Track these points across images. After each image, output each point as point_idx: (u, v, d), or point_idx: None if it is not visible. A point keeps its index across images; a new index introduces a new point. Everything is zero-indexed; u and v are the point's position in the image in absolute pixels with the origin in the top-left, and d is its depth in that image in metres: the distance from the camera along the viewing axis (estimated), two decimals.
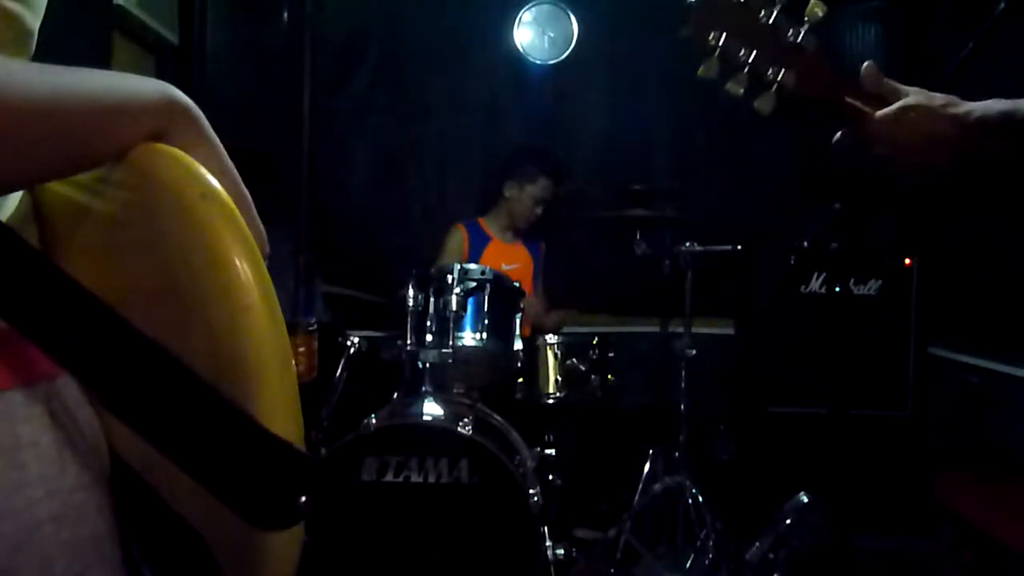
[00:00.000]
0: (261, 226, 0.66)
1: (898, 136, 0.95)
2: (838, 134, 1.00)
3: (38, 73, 0.54)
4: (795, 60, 0.95)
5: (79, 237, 0.63)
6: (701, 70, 0.96)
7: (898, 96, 0.97)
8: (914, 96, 0.96)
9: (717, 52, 0.95)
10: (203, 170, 0.59)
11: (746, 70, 0.95)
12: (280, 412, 0.56)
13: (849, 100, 0.97)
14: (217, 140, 0.64)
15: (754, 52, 0.94)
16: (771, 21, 0.95)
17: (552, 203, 3.12)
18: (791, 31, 0.95)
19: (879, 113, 0.95)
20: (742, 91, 0.96)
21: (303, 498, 0.56)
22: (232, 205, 0.58)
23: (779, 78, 0.95)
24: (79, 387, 0.63)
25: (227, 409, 0.55)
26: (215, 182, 0.58)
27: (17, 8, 0.58)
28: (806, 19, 0.95)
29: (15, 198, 0.62)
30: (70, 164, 0.59)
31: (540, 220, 3.13)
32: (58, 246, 0.63)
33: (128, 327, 0.56)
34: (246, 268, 0.55)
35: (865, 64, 0.98)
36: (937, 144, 0.94)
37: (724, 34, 0.94)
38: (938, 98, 0.95)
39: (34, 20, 0.61)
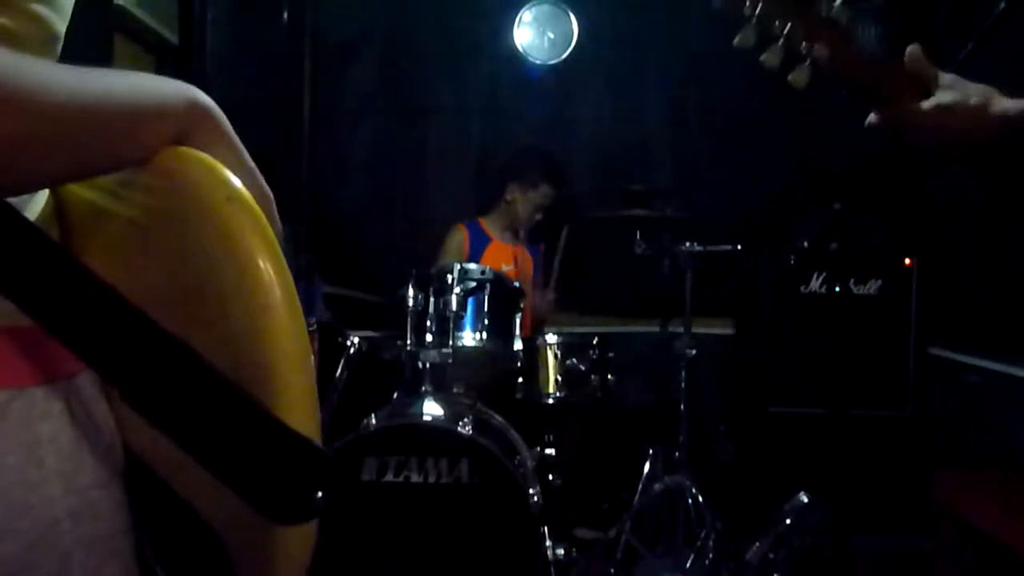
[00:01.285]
0: (279, 224, 0.67)
1: (934, 132, 0.96)
2: (870, 116, 0.99)
3: (69, 75, 0.55)
4: (828, 34, 0.94)
5: (101, 239, 0.64)
6: (738, 39, 0.94)
7: (934, 81, 0.96)
8: (950, 93, 0.96)
9: (754, 21, 0.94)
10: (228, 173, 0.60)
11: (781, 42, 0.94)
12: (298, 408, 0.57)
13: (881, 80, 0.97)
14: (238, 141, 0.65)
15: (789, 23, 0.94)
16: None
17: (552, 208, 3.11)
18: (825, 4, 0.94)
19: (914, 108, 0.95)
20: (778, 63, 0.95)
21: (319, 494, 0.57)
22: (256, 207, 0.59)
23: (813, 52, 0.94)
24: (96, 385, 0.64)
25: (247, 405, 0.56)
26: (240, 184, 0.59)
27: (44, 11, 0.59)
28: None
29: (40, 200, 0.63)
30: (96, 166, 0.60)
31: (539, 224, 3.13)
32: (80, 248, 0.64)
33: (150, 322, 0.57)
34: (269, 268, 0.56)
35: (910, 47, 0.98)
36: (974, 142, 0.95)
37: (760, 3, 0.93)
38: (974, 93, 0.95)
39: (60, 23, 0.62)
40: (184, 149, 0.61)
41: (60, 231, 0.65)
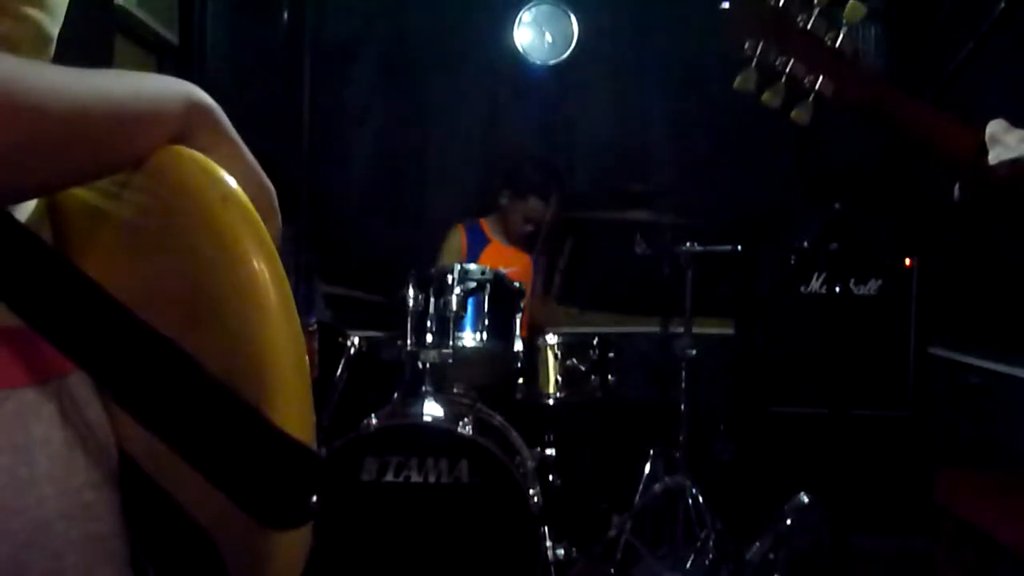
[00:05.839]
0: (279, 215, 0.67)
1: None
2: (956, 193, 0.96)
3: (63, 78, 0.54)
4: (834, 66, 0.92)
5: (95, 239, 0.63)
6: (738, 82, 0.92)
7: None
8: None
9: (754, 62, 0.91)
10: (223, 173, 0.59)
11: (783, 79, 0.92)
12: (293, 412, 0.56)
13: (890, 104, 0.94)
14: (238, 137, 0.65)
15: (792, 60, 0.91)
16: (809, 26, 0.91)
17: (542, 223, 3.03)
18: (829, 36, 0.91)
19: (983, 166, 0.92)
20: (779, 102, 0.92)
21: (313, 498, 0.56)
22: (251, 207, 0.58)
23: (817, 86, 0.92)
24: (90, 386, 0.63)
25: (241, 408, 0.55)
26: (235, 184, 0.58)
27: (36, 14, 0.58)
28: (845, 22, 0.91)
29: (32, 200, 0.62)
30: (93, 170, 0.58)
31: (532, 236, 3.07)
32: (73, 248, 0.64)
33: (142, 325, 0.56)
34: (264, 269, 0.56)
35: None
36: None
37: (761, 42, 0.91)
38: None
39: (53, 26, 0.61)
40: (178, 148, 0.60)
41: (53, 231, 0.64)
